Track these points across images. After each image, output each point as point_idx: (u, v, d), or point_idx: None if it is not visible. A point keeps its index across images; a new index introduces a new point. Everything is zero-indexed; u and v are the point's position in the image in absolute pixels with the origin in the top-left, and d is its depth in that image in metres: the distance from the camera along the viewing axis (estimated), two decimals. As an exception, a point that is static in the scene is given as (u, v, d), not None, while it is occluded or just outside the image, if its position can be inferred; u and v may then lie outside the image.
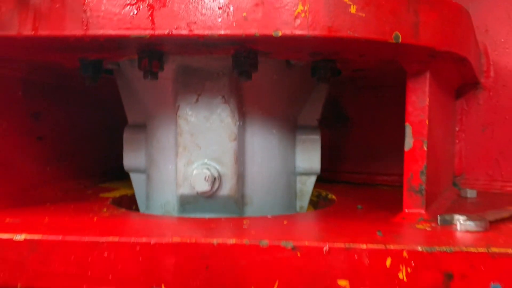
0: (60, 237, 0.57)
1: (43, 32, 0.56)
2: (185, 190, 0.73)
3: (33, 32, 0.56)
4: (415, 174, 0.67)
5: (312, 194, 0.87)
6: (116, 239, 0.56)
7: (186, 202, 0.75)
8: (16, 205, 0.75)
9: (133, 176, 0.88)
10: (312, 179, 0.86)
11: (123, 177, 1.00)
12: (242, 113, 0.74)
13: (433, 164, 0.71)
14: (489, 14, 1.02)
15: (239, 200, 0.75)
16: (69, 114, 0.96)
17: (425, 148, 0.67)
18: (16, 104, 0.80)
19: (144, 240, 0.55)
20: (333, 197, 0.91)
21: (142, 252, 0.55)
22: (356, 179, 1.13)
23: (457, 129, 1.05)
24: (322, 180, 0.94)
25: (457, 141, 1.05)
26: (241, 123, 0.74)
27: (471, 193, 0.93)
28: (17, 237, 0.57)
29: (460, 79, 0.91)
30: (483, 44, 1.02)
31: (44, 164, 0.87)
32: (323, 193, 0.95)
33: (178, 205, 0.76)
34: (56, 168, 0.91)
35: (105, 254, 0.55)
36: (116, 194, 0.93)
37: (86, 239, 0.56)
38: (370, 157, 1.12)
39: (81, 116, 1.01)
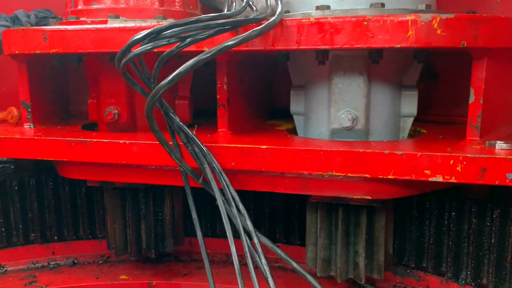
0: (278, 147, 1.17)
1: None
2: (335, 125, 1.29)
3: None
4: (474, 117, 1.16)
5: (410, 129, 1.38)
6: (306, 148, 1.14)
7: (335, 132, 1.31)
8: (239, 130, 1.36)
9: (296, 117, 1.45)
10: (411, 119, 1.36)
11: (274, 117, 1.65)
12: (369, 81, 1.26)
13: (487, 111, 1.18)
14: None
15: (366, 132, 1.29)
16: (254, 79, 1.55)
17: (481, 102, 1.15)
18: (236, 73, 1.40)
19: (323, 148, 1.13)
20: (424, 131, 1.42)
21: (323, 154, 1.13)
22: (442, 119, 1.61)
23: (520, 84, 1.47)
24: (418, 120, 1.44)
25: (519, 92, 1.47)
26: (368, 87, 1.27)
27: (522, 130, 1.38)
28: (262, 147, 1.18)
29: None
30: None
31: (247, 108, 1.48)
32: (418, 129, 1.46)
33: (330, 134, 1.32)
34: (249, 110, 1.52)
35: (302, 155, 1.14)
36: (284, 128, 1.52)
37: (290, 147, 1.16)
38: (452, 103, 1.58)
39: (259, 78, 1.60)
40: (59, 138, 1.31)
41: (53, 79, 1.66)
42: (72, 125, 1.62)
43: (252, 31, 1.01)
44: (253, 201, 1.65)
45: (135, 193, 1.52)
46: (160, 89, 0.95)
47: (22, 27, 1.32)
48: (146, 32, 0.95)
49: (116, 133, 1.44)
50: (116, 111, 1.43)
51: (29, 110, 1.49)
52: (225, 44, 0.95)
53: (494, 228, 1.30)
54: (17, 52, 1.33)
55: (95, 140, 1.30)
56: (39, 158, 1.34)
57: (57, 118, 1.71)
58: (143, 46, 0.96)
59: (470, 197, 1.36)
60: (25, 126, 1.50)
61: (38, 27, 1.31)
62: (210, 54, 0.93)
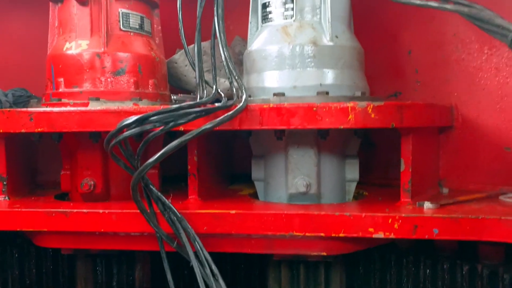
0: (246, 211, 1.34)
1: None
2: (292, 190, 1.50)
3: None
4: (406, 182, 1.41)
5: (354, 192, 1.61)
6: (270, 211, 1.33)
7: (292, 196, 1.51)
8: (207, 196, 1.52)
9: (257, 183, 1.65)
10: (354, 184, 1.59)
11: (233, 181, 1.83)
12: (319, 153, 1.49)
13: (416, 177, 1.44)
14: (458, 86, 1.74)
15: (318, 196, 1.51)
16: (218, 149, 1.75)
17: (410, 170, 1.40)
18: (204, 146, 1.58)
19: (285, 212, 1.32)
20: (366, 193, 1.66)
21: (284, 217, 1.32)
22: (380, 182, 1.86)
23: (440, 152, 1.77)
24: (361, 183, 1.68)
25: (440, 159, 1.77)
26: (318, 157, 1.49)
27: (445, 190, 1.65)
28: (231, 212, 1.35)
29: (437, 128, 1.64)
30: (455, 103, 1.73)
31: (213, 176, 1.65)
32: (361, 191, 1.69)
33: (288, 198, 1.52)
34: (215, 177, 1.70)
35: (267, 218, 1.32)
36: (246, 192, 1.71)
37: (256, 211, 1.33)
38: (388, 169, 1.85)
39: (222, 148, 1.80)
40: (40, 210, 1.41)
41: (25, 152, 1.75)
42: (44, 196, 1.70)
43: (225, 116, 1.21)
44: (244, 263, 1.78)
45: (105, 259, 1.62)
46: (147, 166, 1.11)
47: (8, 109, 1.44)
48: (135, 118, 1.12)
49: (91, 202, 1.55)
50: (92, 182, 1.55)
51: (5, 183, 1.58)
52: (204, 127, 1.15)
53: (464, 284, 1.42)
54: (1, 131, 1.44)
55: (75, 210, 1.40)
56: (18, 229, 1.42)
57: (27, 188, 1.79)
58: (131, 130, 1.13)
59: (442, 254, 1.48)
60: (0, 198, 1.58)
61: (25, 109, 1.43)
62: (192, 136, 1.12)
